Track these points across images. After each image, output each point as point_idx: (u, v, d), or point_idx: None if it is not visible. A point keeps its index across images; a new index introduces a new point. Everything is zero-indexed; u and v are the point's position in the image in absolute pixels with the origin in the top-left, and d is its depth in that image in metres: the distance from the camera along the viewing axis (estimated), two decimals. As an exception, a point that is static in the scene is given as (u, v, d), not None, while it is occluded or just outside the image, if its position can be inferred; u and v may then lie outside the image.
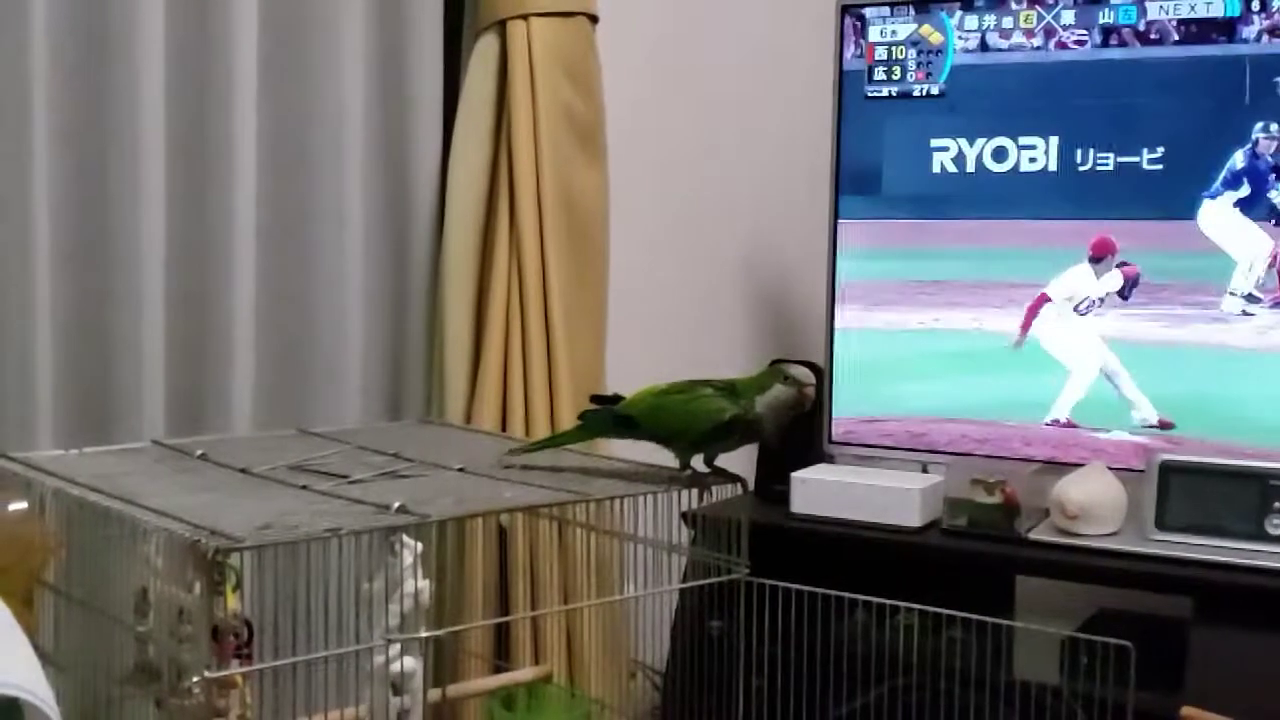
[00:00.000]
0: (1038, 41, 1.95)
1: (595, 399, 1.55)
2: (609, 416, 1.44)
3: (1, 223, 1.55)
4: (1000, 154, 1.98)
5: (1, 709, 1.01)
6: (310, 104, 1.84)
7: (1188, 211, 1.86)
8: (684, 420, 1.37)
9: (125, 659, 1.19)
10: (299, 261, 1.85)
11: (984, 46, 1.99)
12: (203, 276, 1.74)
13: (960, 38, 2.00)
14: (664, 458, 1.43)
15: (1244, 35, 1.82)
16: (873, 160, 2.07)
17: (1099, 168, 1.91)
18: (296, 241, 1.84)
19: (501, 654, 1.83)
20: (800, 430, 2.02)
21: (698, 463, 1.40)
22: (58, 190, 1.61)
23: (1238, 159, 1.82)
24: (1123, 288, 1.92)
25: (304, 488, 1.25)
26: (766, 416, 1.37)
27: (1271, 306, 1.83)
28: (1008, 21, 1.96)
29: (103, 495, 1.20)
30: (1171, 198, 1.87)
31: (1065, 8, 1.93)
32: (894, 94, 2.04)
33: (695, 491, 1.38)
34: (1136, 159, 1.89)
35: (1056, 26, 1.94)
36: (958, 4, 1.99)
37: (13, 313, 1.56)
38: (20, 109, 1.55)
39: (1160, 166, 1.88)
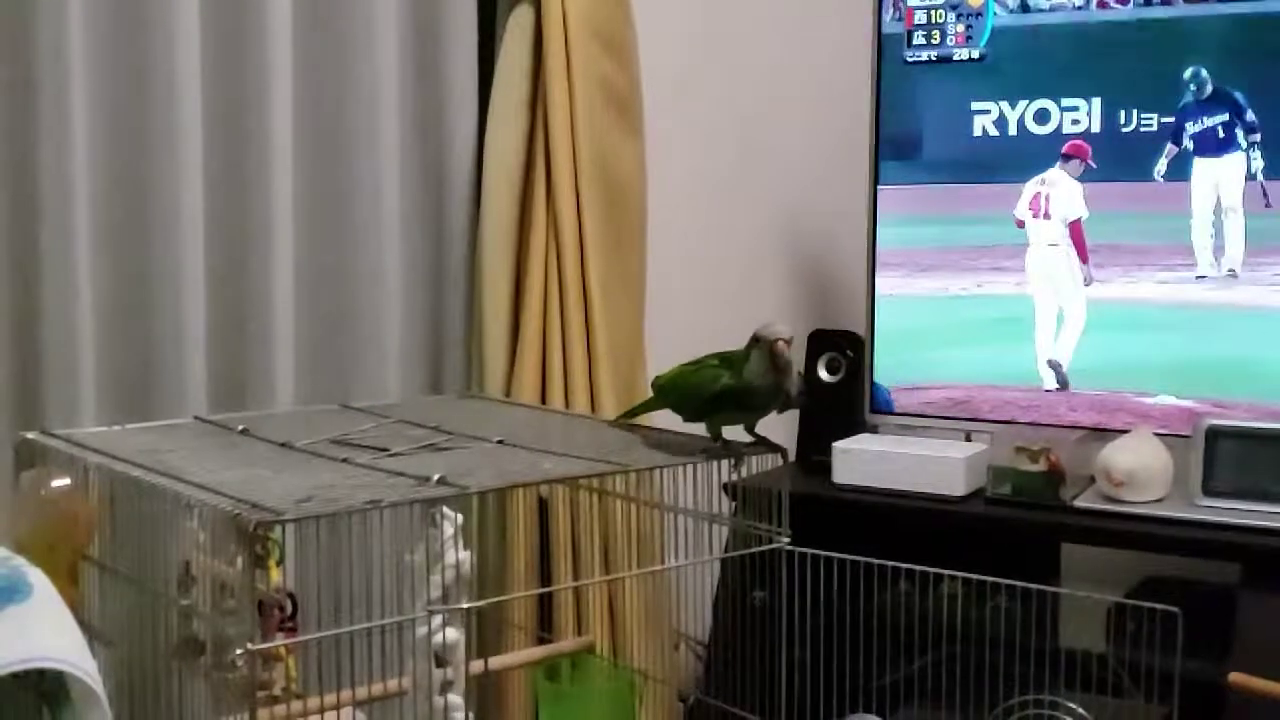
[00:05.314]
0: (1079, 1, 1.92)
1: None
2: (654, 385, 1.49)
3: (42, 202, 1.56)
4: (1043, 116, 1.95)
5: (48, 682, 1.02)
6: (345, 80, 1.84)
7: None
8: (686, 391, 1.40)
9: (170, 633, 1.20)
10: (338, 237, 1.85)
11: (1025, 8, 1.96)
12: (243, 254, 1.74)
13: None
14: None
15: (1292, -9, 1.78)
16: (912, 125, 2.05)
17: (1143, 128, 1.89)
18: (335, 217, 1.85)
19: (544, 625, 1.83)
20: (841, 399, 2.03)
21: (736, 434, 1.39)
22: (97, 170, 1.62)
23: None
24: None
25: (345, 461, 1.25)
26: (754, 384, 1.36)
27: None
28: (1049, -18, 1.94)
29: (145, 470, 1.20)
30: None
31: (1107, -33, 1.90)
32: (934, 58, 2.02)
33: (735, 462, 1.37)
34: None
35: (1098, -15, 1.91)
36: (998, -35, 1.97)
37: (55, 292, 1.57)
38: (59, 90, 1.55)
39: (1204, 126, 1.85)
